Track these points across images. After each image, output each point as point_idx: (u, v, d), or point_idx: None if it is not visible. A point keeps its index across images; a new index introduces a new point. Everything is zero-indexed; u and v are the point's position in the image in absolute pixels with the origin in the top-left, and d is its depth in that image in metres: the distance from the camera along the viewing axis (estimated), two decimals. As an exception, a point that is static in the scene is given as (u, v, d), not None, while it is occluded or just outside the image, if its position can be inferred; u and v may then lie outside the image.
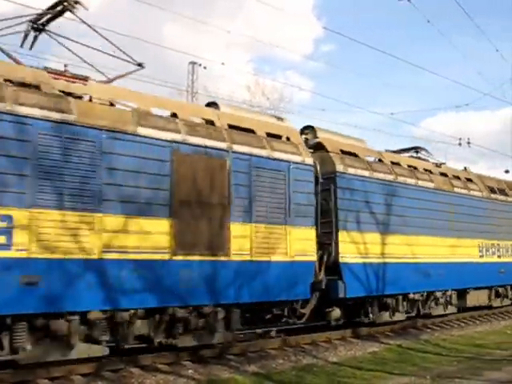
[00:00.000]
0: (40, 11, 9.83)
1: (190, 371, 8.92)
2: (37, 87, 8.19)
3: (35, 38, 10.07)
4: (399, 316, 13.67)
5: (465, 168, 17.99)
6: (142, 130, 8.92)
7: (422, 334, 13.64)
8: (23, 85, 8.06)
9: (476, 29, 37.93)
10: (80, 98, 8.62)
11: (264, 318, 10.97)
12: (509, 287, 18.12)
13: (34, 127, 7.80)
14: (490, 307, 17.38)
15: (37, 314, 7.73)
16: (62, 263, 7.83)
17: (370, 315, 13.01)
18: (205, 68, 37.29)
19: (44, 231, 7.71)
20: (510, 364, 9.96)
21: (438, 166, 16.13)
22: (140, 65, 10.06)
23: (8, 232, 7.41)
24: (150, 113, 9.34)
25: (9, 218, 7.44)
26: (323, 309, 12.15)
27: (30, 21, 9.82)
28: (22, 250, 7.50)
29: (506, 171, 29.53)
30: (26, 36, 10.01)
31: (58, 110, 8.08)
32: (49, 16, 9.69)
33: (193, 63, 41.06)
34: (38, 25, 9.83)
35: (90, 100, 8.72)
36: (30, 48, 10.23)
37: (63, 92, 8.43)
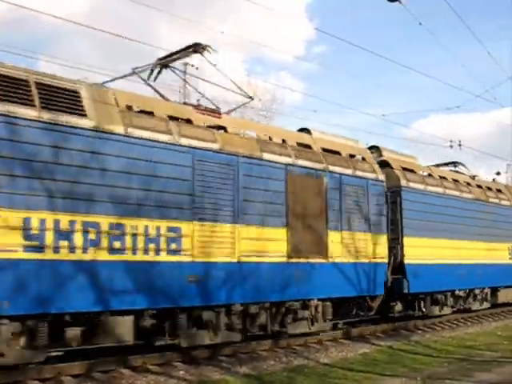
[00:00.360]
0: (169, 51, 11.65)
1: (181, 372, 8.92)
2: (189, 121, 10.04)
3: (159, 72, 11.90)
4: (446, 310, 15.81)
5: (493, 180, 20.12)
6: (265, 155, 10.82)
7: (413, 335, 13.66)
8: (175, 118, 9.89)
9: (467, 31, 39.39)
10: (219, 129, 10.49)
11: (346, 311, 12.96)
12: None
13: (192, 155, 9.65)
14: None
15: (195, 307, 9.60)
16: (214, 265, 9.71)
17: (423, 309, 15.07)
18: (197, 68, 39.17)
19: (201, 240, 9.58)
20: (500, 365, 9.98)
21: (472, 178, 18.26)
22: (250, 97, 11.91)
23: (178, 240, 9.28)
24: (268, 141, 11.24)
25: (179, 229, 9.30)
26: (387, 303, 14.15)
27: (159, 58, 11.65)
28: (187, 255, 9.38)
29: (498, 173, 30.83)
30: (152, 71, 11.84)
31: (208, 140, 9.95)
32: (177, 56, 11.50)
33: (185, 63, 43.95)
34: (165, 62, 11.66)
35: (225, 131, 10.59)
36: (154, 80, 12.05)
37: (208, 125, 10.31)
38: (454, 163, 18.63)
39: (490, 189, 18.53)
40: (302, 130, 13.12)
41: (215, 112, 10.84)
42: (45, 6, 11.30)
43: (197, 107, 10.72)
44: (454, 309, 16.22)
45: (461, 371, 9.41)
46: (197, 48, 11.08)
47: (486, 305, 17.62)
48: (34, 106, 7.92)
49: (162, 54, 11.58)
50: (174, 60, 11.66)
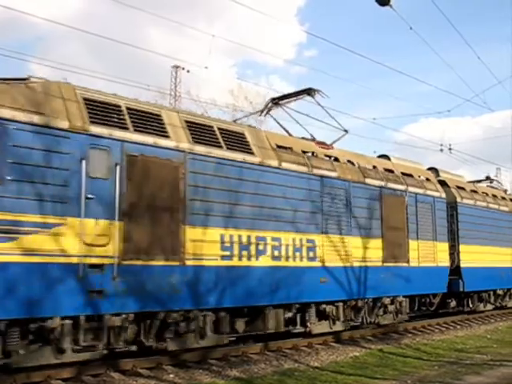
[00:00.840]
0: (282, 93, 14.22)
1: (171, 375, 8.95)
2: (313, 154, 12.60)
3: (270, 109, 14.44)
4: (489, 306, 18.58)
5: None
6: (367, 180, 13.44)
7: (404, 338, 13.77)
8: (305, 152, 12.43)
9: (458, 36, 41.22)
10: (334, 159, 13.08)
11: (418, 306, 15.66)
12: None
13: (320, 182, 12.20)
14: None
15: (320, 302, 12.17)
16: (337, 269, 12.30)
17: (471, 305, 17.83)
18: (188, 72, 38.30)
19: (328, 248, 12.16)
20: (489, 368, 10.02)
21: (505, 192, 21.11)
22: (346, 131, 14.49)
23: (313, 250, 11.85)
24: (367, 168, 13.86)
25: (313, 241, 11.87)
26: (444, 300, 16.88)
27: (273, 98, 14.19)
28: (320, 261, 11.95)
29: (487, 177, 33.91)
30: (265, 107, 14.38)
31: (330, 169, 12.53)
32: (291, 98, 14.05)
33: (176, 67, 41.70)
34: (278, 101, 14.20)
35: (338, 160, 13.17)
36: (265, 115, 14.60)
37: (327, 156, 12.93)
38: (489, 179, 21.48)
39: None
40: (381, 156, 15.77)
41: (327, 145, 13.44)
42: (33, 8, 12.66)
43: (317, 142, 13.30)
44: (494, 305, 19.05)
45: (451, 374, 9.48)
46: (310, 92, 13.61)
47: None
48: (221, 147, 10.44)
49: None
50: (289, 101, 14.17)
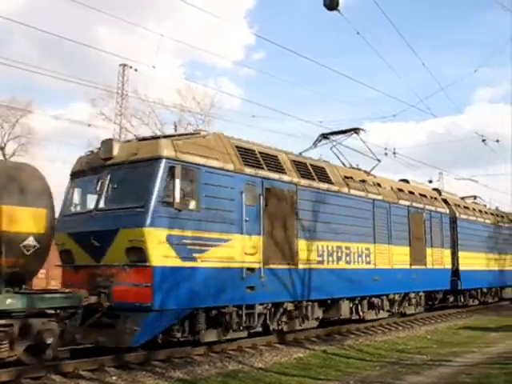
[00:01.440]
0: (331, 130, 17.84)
1: (113, 377, 8.89)
2: (364, 181, 16.26)
3: (318, 141, 18.01)
4: (476, 301, 23.23)
5: (496, 207, 27.82)
6: (400, 201, 17.31)
7: (347, 339, 14.03)
8: (362, 181, 16.11)
9: (404, 43, 42.92)
10: (378, 185, 16.83)
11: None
12: None
13: (372, 204, 15.94)
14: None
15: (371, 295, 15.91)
16: (382, 270, 16.02)
17: (462, 299, 22.17)
18: (136, 70, 37.18)
19: (378, 255, 15.89)
20: (429, 368, 10.19)
21: (485, 206, 25.66)
22: (379, 160, 18.19)
23: (369, 255, 15.53)
24: (397, 190, 17.68)
25: (369, 249, 15.56)
26: (444, 296, 21.01)
27: (323, 134, 17.79)
28: (373, 264, 15.66)
29: (430, 181, 33.79)
30: (316, 141, 17.95)
31: (377, 193, 16.26)
32: (339, 135, 17.70)
33: (123, 65, 41.94)
34: (327, 136, 17.80)
35: (380, 186, 16.90)
36: (315, 147, 18.14)
37: (373, 182, 16.66)
38: (474, 196, 26.07)
39: (497, 215, 26.10)
40: (402, 180, 19.73)
41: (368, 173, 17.21)
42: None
43: (364, 171, 17.05)
44: (479, 301, 23.84)
45: (392, 374, 9.64)
46: (356, 130, 17.40)
47: (496, 299, 25.47)
48: (314, 179, 13.86)
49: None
50: (337, 135, 17.85)
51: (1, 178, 8.75)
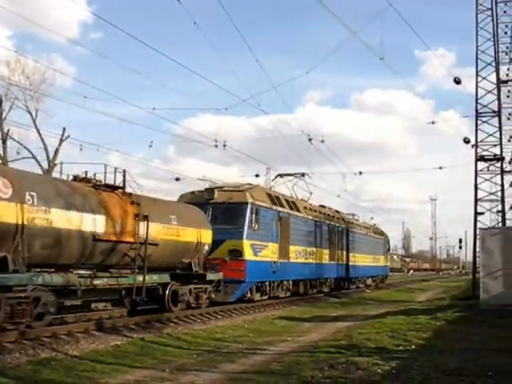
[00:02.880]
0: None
1: None
2: (305, 207, 25.62)
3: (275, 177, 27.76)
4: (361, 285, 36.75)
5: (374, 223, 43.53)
6: (323, 220, 28.15)
7: (166, 327, 13.81)
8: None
9: (240, 39, 44.99)
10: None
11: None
12: None
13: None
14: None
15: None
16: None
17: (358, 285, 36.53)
18: None
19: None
20: (244, 356, 10.38)
21: (353, 215, 37.80)
22: (311, 193, 27.22)
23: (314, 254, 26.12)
24: (320, 212, 28.43)
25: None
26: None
27: (279, 174, 28.72)
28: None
29: (257, 175, 34.38)
30: (274, 179, 27.90)
31: (315, 216, 26.60)
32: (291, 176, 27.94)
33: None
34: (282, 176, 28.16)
35: (314, 210, 27.67)
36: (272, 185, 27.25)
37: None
38: (353, 214, 37.83)
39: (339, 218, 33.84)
40: (321, 205, 30.58)
41: (306, 201, 27.59)
42: None
43: (301, 199, 27.40)
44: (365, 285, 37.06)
45: (208, 363, 9.71)
46: (304, 174, 27.67)
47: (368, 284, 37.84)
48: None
49: None
50: (289, 176, 28.19)
51: (198, 216, 17.31)
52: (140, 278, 13.92)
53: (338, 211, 31.52)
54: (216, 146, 24.15)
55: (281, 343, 12.31)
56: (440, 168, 30.03)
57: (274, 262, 20.63)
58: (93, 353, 10.27)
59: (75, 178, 13.44)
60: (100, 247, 12.78)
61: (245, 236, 18.69)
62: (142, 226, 13.81)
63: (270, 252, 20.39)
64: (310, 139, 25.90)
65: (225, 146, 24.52)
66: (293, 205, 23.48)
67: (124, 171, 14.24)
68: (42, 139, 37.15)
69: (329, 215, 28.48)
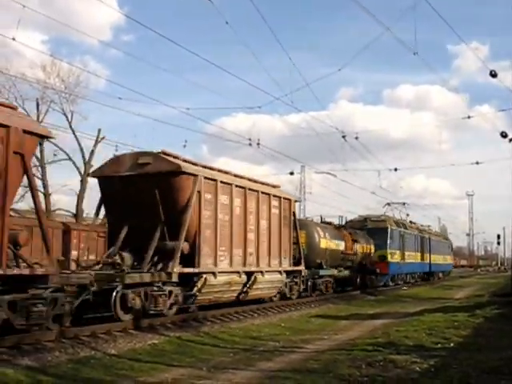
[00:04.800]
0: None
1: None
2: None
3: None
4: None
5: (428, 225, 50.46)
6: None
7: (203, 326, 13.85)
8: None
9: (273, 37, 43.48)
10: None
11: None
12: None
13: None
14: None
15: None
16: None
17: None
18: None
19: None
20: (280, 354, 10.43)
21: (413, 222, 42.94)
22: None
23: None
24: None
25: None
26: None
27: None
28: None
29: (291, 173, 36.51)
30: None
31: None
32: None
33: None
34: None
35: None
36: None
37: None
38: (428, 226, 49.71)
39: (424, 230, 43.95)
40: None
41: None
42: None
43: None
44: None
45: (244, 361, 9.74)
46: (404, 203, 42.35)
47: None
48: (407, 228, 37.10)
49: None
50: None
51: (365, 237, 30.83)
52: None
53: (413, 222, 42.11)
54: (250, 144, 23.74)
55: (317, 341, 12.29)
56: (477, 163, 29.37)
57: (398, 263, 33.38)
58: (131, 351, 10.35)
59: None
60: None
61: (388, 247, 32.11)
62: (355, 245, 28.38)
63: (398, 256, 33.41)
64: (343, 136, 25.57)
65: (259, 144, 24.16)
66: (404, 224, 37.10)
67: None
68: (77, 141, 37.93)
69: (418, 228, 41.18)
